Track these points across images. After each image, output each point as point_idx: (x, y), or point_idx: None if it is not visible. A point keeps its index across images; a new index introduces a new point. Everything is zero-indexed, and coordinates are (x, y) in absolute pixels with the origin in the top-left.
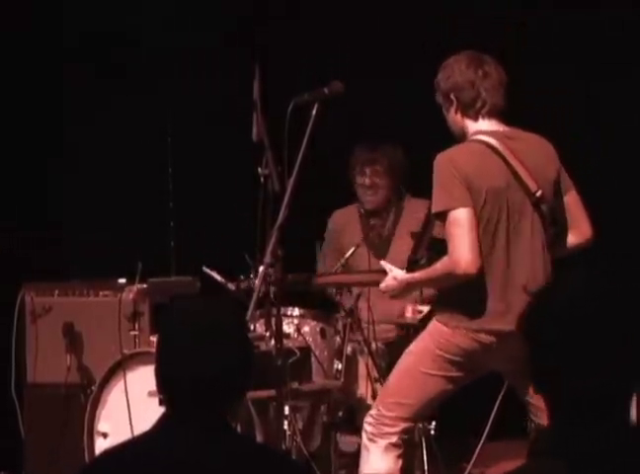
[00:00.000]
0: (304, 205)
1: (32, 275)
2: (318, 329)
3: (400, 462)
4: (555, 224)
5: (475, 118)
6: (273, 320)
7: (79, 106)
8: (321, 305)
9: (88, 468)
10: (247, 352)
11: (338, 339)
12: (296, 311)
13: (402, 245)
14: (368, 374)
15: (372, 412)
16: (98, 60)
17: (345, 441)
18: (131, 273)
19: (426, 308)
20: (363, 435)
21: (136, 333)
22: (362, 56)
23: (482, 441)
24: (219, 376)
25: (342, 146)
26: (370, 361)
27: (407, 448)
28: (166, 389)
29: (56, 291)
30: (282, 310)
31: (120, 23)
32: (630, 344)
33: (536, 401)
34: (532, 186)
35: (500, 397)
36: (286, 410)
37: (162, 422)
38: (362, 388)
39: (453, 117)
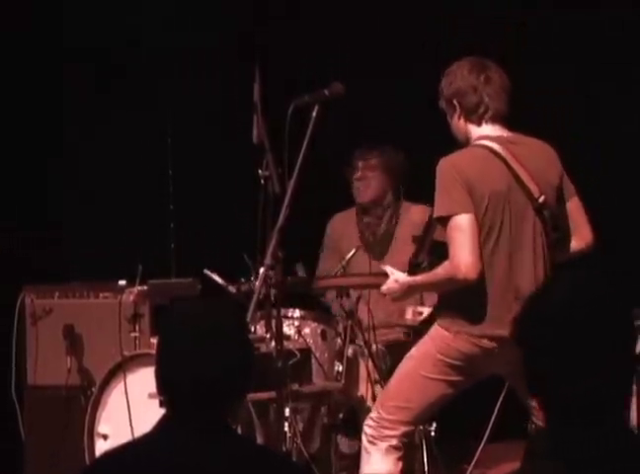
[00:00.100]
0: (305, 207)
1: (32, 275)
2: (319, 331)
3: (400, 464)
4: (557, 229)
5: (478, 124)
6: (273, 322)
7: (79, 106)
8: (320, 307)
9: (88, 470)
10: (247, 353)
11: (338, 340)
12: (297, 313)
13: (400, 249)
14: (369, 376)
15: (373, 414)
16: (98, 60)
17: (345, 443)
18: (132, 274)
19: (426, 310)
20: (363, 438)
21: (137, 335)
22: (362, 56)
23: (483, 443)
24: (220, 378)
25: (342, 148)
26: (371, 363)
27: (407, 451)
28: (166, 391)
29: (57, 293)
30: (283, 312)
31: (120, 23)
32: (623, 347)
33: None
34: (535, 191)
35: (500, 399)
36: (287, 412)
37: (162, 423)
38: (363, 390)
39: (457, 123)
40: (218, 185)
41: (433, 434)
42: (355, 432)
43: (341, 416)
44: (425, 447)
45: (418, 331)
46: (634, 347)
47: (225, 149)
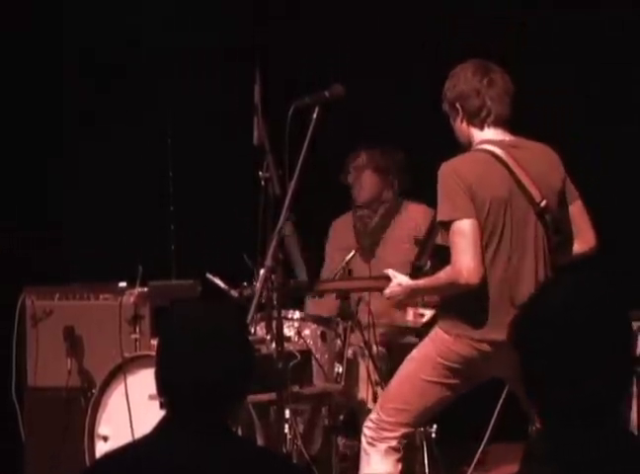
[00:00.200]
0: (305, 209)
1: (32, 275)
2: (319, 332)
3: (399, 466)
4: (559, 233)
5: (481, 128)
6: (273, 323)
7: (79, 106)
8: None
9: (88, 471)
10: (248, 356)
11: (338, 342)
12: (297, 314)
13: (392, 245)
14: (369, 378)
15: (372, 416)
16: (98, 60)
17: (346, 445)
18: (132, 275)
19: (427, 311)
20: (363, 439)
21: (137, 336)
22: (362, 56)
23: (483, 445)
24: (220, 381)
25: (342, 150)
26: (371, 365)
27: (407, 452)
28: (166, 393)
29: (57, 295)
30: (283, 313)
31: (120, 23)
32: (621, 349)
33: None
34: (536, 195)
35: (501, 401)
36: (287, 413)
37: (162, 425)
38: (363, 391)
39: (459, 126)
40: (218, 186)
41: (433, 435)
42: (355, 433)
43: (341, 417)
44: (425, 449)
45: (419, 333)
46: (633, 348)
47: (225, 150)
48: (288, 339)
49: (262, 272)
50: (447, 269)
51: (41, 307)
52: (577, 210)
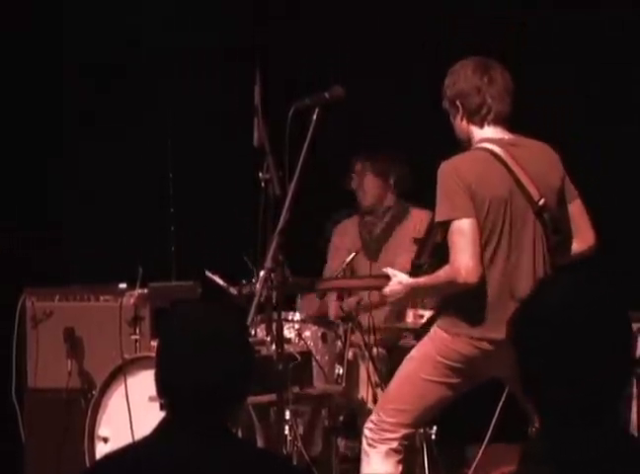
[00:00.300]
0: (305, 210)
1: (32, 275)
2: (319, 334)
3: (400, 467)
4: (557, 232)
5: (481, 125)
6: (274, 325)
7: (79, 106)
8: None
9: (88, 473)
10: (248, 358)
11: (339, 343)
12: (297, 316)
13: (394, 250)
14: (369, 379)
15: (373, 417)
16: (98, 60)
17: (346, 446)
18: (132, 276)
19: (427, 313)
20: (363, 441)
21: (137, 337)
22: (362, 56)
23: (483, 447)
24: (220, 383)
25: (343, 151)
26: (371, 366)
27: (406, 454)
28: (166, 395)
29: (57, 296)
30: (284, 315)
31: (120, 23)
32: (619, 348)
33: None
34: (535, 194)
35: (501, 402)
36: (287, 415)
37: (162, 427)
38: (363, 393)
39: (459, 124)
40: (219, 187)
41: (433, 437)
42: (355, 434)
43: (341, 419)
44: (425, 451)
45: (419, 334)
46: (631, 348)
47: (225, 151)
48: (289, 340)
49: (262, 273)
50: (447, 267)
51: (42, 308)
52: (576, 209)
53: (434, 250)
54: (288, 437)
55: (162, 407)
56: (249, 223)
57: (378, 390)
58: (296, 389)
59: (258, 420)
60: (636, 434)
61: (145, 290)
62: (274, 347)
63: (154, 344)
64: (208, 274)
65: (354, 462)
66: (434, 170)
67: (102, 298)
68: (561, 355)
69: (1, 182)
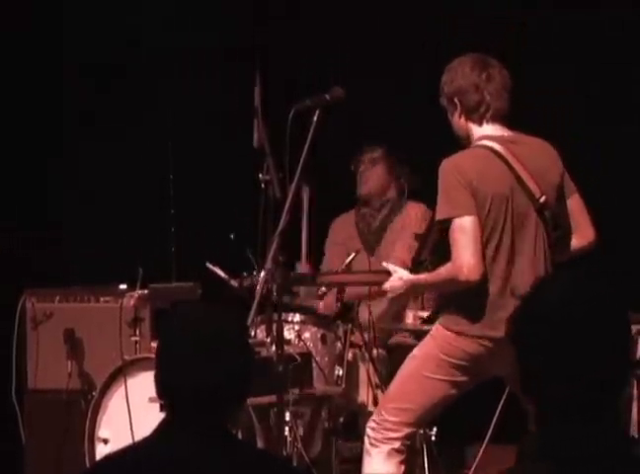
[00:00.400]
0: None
1: (32, 275)
2: (319, 335)
3: (402, 468)
4: (558, 228)
5: (479, 123)
6: (274, 326)
7: (79, 106)
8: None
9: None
10: (248, 359)
11: (339, 345)
12: (297, 317)
13: (390, 244)
14: (369, 380)
15: (375, 417)
16: (98, 60)
17: (346, 447)
18: (132, 277)
19: (426, 314)
20: (366, 441)
21: (137, 339)
22: (362, 56)
23: (483, 447)
24: (220, 384)
25: (343, 153)
26: (371, 367)
27: (408, 455)
28: (166, 396)
29: (57, 297)
30: (283, 316)
31: (120, 23)
32: (618, 346)
33: None
34: (536, 191)
35: (501, 403)
36: (287, 416)
37: (162, 428)
38: (363, 394)
39: (458, 121)
40: (219, 189)
41: (433, 438)
42: (355, 436)
43: (341, 420)
44: (425, 451)
45: (419, 335)
46: (630, 346)
47: (226, 152)
48: (289, 341)
49: (262, 274)
50: (448, 265)
51: (42, 310)
52: (575, 205)
53: (434, 246)
54: (288, 439)
55: (162, 408)
56: (249, 224)
57: (378, 391)
58: (296, 390)
59: (258, 421)
60: (636, 435)
61: (145, 291)
62: (274, 348)
63: (154, 345)
64: (209, 265)
65: (354, 463)
66: (433, 170)
67: (102, 299)
68: (560, 351)
69: (1, 182)
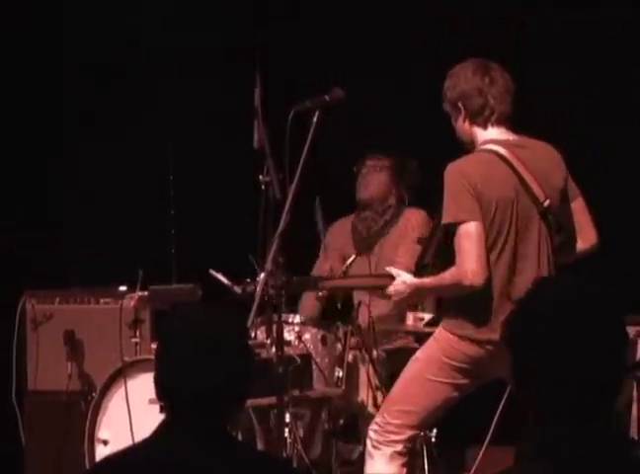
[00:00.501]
0: (305, 213)
1: (32, 275)
2: (319, 336)
3: (405, 470)
4: (561, 231)
5: (484, 127)
6: (274, 327)
7: (79, 106)
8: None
9: None
10: (248, 361)
11: (339, 346)
12: (297, 318)
13: (388, 249)
14: (369, 382)
15: (378, 419)
16: (98, 60)
17: (346, 449)
18: (132, 278)
19: (427, 315)
20: (368, 443)
21: (137, 340)
22: (362, 57)
23: (483, 449)
24: (220, 386)
25: (343, 154)
26: (371, 369)
27: (410, 457)
28: (166, 397)
29: (57, 299)
30: (284, 317)
31: (120, 23)
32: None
33: None
34: (540, 195)
35: (501, 404)
36: (287, 417)
37: (162, 429)
38: (364, 396)
39: (462, 125)
40: (219, 190)
41: (433, 439)
42: (355, 437)
43: (341, 421)
44: (425, 453)
45: (419, 337)
46: (626, 347)
47: (226, 152)
48: (289, 343)
49: (262, 275)
50: (453, 269)
51: (42, 311)
52: (578, 208)
53: (437, 250)
54: (288, 440)
55: (162, 409)
56: (249, 225)
57: (378, 393)
58: (296, 392)
59: (258, 422)
60: (636, 436)
61: (145, 293)
62: (274, 349)
63: (154, 346)
64: (212, 272)
65: (353, 465)
66: (433, 170)
67: (102, 301)
68: (554, 351)
69: (1, 182)
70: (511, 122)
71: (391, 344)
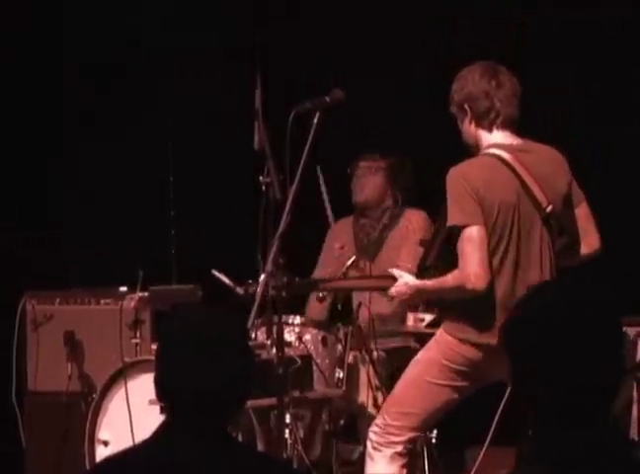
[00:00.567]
0: (306, 214)
1: (32, 275)
2: (319, 337)
3: (405, 471)
4: (564, 235)
5: (489, 130)
6: (274, 328)
7: (79, 106)
8: None
9: None
10: (248, 362)
11: (339, 347)
12: (298, 319)
13: (389, 253)
14: (370, 383)
15: (378, 421)
16: (98, 60)
17: (346, 450)
18: (132, 278)
19: (427, 316)
20: (368, 444)
21: (137, 341)
22: (362, 56)
23: (484, 450)
24: (221, 386)
25: (343, 155)
26: (372, 370)
27: (411, 458)
28: (166, 398)
29: (57, 299)
30: (284, 318)
31: (120, 23)
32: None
33: None
34: (543, 200)
35: (502, 405)
36: (288, 418)
37: (162, 430)
38: (364, 396)
39: (467, 128)
40: (219, 191)
41: (434, 440)
42: (355, 438)
43: (342, 422)
44: (426, 454)
45: (420, 338)
46: (622, 350)
47: (226, 152)
48: (289, 344)
49: (262, 276)
50: (455, 273)
51: (42, 312)
52: (582, 214)
53: (440, 252)
54: (289, 441)
55: (162, 410)
56: (249, 226)
57: (379, 394)
58: (297, 393)
59: (258, 423)
60: (636, 437)
61: (146, 294)
62: (274, 350)
63: (154, 347)
64: (215, 272)
65: (353, 466)
66: (434, 170)
67: (102, 301)
68: (546, 355)
69: (1, 182)
70: (517, 126)
71: (391, 344)
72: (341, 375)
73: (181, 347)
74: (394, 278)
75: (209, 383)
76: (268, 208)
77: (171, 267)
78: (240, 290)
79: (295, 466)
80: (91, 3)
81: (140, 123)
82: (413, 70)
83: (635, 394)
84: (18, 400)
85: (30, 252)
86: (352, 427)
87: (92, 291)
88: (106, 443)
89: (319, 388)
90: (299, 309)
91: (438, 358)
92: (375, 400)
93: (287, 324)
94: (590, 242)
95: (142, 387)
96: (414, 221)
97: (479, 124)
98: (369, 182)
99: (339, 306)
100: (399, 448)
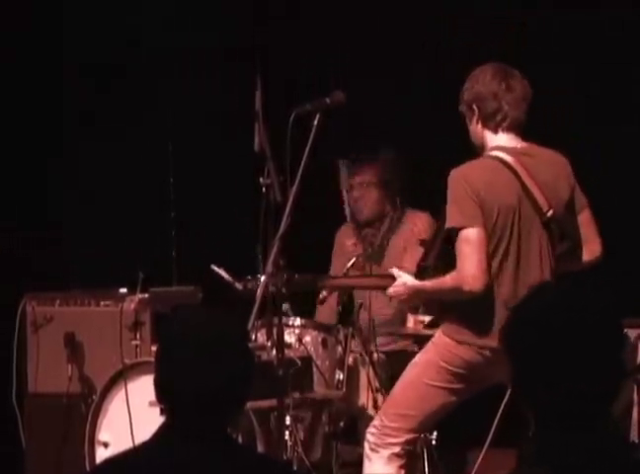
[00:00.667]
0: (306, 215)
1: (32, 275)
2: (320, 339)
3: (402, 472)
4: (565, 239)
5: (495, 131)
6: (274, 330)
7: (79, 106)
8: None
9: None
10: (248, 362)
11: (339, 349)
12: (298, 321)
13: (395, 256)
14: (370, 384)
15: (375, 422)
16: (98, 60)
17: (346, 451)
18: (133, 282)
19: (427, 318)
20: (366, 446)
21: (138, 342)
22: (362, 56)
23: (484, 452)
24: (221, 387)
25: (343, 155)
26: (372, 371)
27: (408, 459)
28: (166, 400)
29: (57, 301)
30: (284, 320)
31: (120, 23)
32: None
33: None
34: (544, 204)
35: (502, 407)
36: (288, 420)
37: (162, 431)
38: (364, 398)
39: (474, 127)
40: (219, 192)
41: (434, 442)
42: (355, 440)
43: (342, 424)
44: (426, 456)
45: (420, 339)
46: (622, 353)
47: (226, 153)
48: (289, 345)
49: (262, 278)
50: (453, 274)
51: (42, 313)
52: (585, 219)
53: (439, 253)
54: (289, 443)
55: (162, 412)
56: (250, 227)
57: (378, 395)
58: (297, 394)
59: (258, 425)
60: (637, 440)
61: (146, 295)
62: (274, 352)
63: (155, 349)
64: (214, 267)
65: (354, 467)
66: (435, 170)
67: (102, 303)
68: (545, 358)
69: (1, 182)
70: (522, 130)
71: (391, 346)
72: (341, 377)
73: (181, 348)
74: (394, 278)
75: (209, 385)
76: (268, 210)
77: (171, 268)
78: (239, 286)
79: (296, 468)
80: (91, 3)
81: (140, 123)
82: (413, 70)
83: (635, 396)
84: (18, 401)
85: (30, 252)
86: (352, 428)
87: (92, 293)
88: (106, 445)
89: (319, 390)
90: (310, 314)
91: (435, 360)
92: (375, 402)
93: (288, 325)
94: (591, 248)
95: (142, 389)
96: (419, 224)
97: (485, 125)
98: (367, 200)
99: (339, 308)
100: (396, 449)
